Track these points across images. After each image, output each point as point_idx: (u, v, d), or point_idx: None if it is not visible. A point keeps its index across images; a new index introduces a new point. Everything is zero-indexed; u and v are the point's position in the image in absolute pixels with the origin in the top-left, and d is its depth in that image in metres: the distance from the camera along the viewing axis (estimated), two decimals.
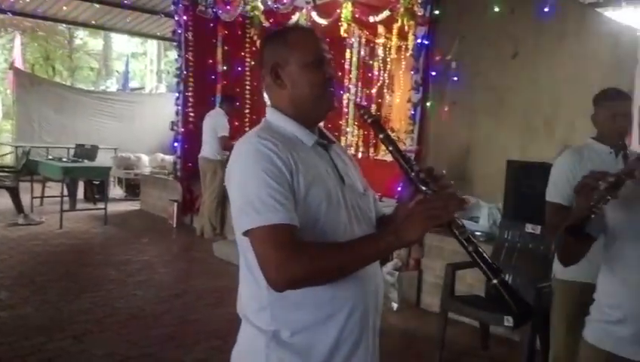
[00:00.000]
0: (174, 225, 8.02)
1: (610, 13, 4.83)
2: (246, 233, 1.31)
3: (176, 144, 8.36)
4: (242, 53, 8.52)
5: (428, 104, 5.14)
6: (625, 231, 1.78)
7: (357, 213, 1.45)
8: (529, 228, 3.92)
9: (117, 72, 21.73)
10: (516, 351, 3.46)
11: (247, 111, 8.56)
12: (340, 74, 7.95)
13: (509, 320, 3.50)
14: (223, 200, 7.20)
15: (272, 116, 1.48)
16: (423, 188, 1.36)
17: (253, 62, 8.53)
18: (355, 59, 8.27)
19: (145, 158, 11.28)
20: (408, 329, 4.47)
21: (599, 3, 4.94)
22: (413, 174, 1.39)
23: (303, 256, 1.27)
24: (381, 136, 1.45)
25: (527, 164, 4.45)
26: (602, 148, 2.67)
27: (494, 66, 5.32)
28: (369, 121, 1.48)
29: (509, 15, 5.11)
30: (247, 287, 1.43)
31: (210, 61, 8.41)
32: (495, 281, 1.23)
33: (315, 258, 1.28)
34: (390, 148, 1.44)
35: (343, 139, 8.29)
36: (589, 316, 1.91)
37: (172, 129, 8.47)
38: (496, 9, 5.15)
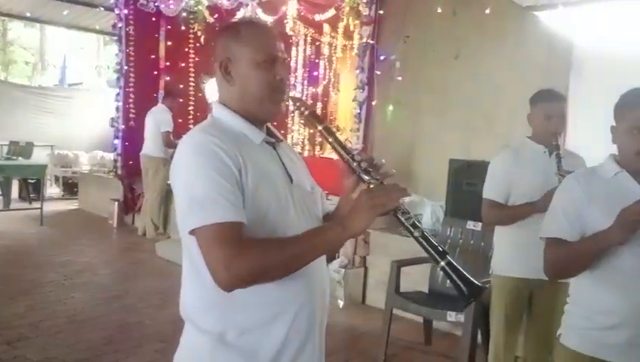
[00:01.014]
0: (115, 225, 7.79)
1: (547, 17, 5.00)
2: (193, 232, 1.27)
3: (116, 141, 8.11)
4: (186, 49, 8.35)
5: (373, 103, 5.19)
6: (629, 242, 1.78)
7: (305, 212, 1.44)
8: (470, 224, 4.03)
9: (54, 66, 20.89)
10: (458, 346, 3.53)
11: (191, 108, 8.40)
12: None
13: (451, 316, 3.59)
14: (165, 198, 7.05)
15: (219, 112, 1.44)
16: (366, 177, 1.37)
17: (197, 59, 8.37)
18: (300, 57, 8.26)
19: (83, 156, 10.94)
20: (353, 326, 4.50)
21: (537, 6, 5.11)
22: (355, 164, 1.39)
23: (252, 253, 1.24)
24: (320, 127, 1.44)
25: (468, 162, 4.57)
26: (537, 147, 2.77)
27: (437, 66, 5.42)
28: (306, 113, 1.46)
29: (452, 16, 5.21)
30: (192, 288, 1.39)
31: (153, 56, 8.21)
32: (443, 263, 1.24)
33: (264, 254, 1.26)
34: (330, 140, 1.43)
35: (289, 137, 8.27)
36: (571, 323, 1.90)
37: (112, 125, 8.22)
38: (439, 10, 5.25)
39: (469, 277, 1.24)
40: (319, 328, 1.46)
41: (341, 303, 4.90)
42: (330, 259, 5.08)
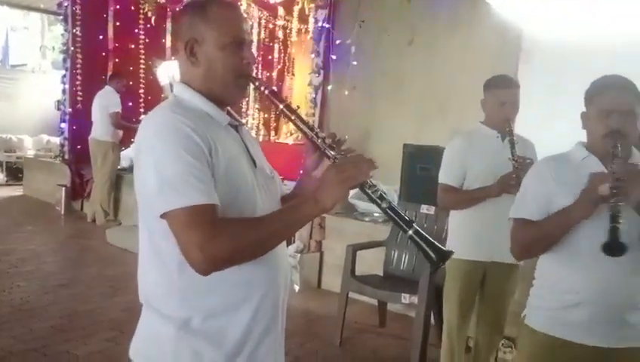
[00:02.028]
0: (62, 212, 7.54)
1: (498, 5, 5.10)
2: (164, 215, 1.23)
3: (63, 125, 7.82)
4: (136, 30, 8.11)
5: (329, 87, 5.18)
6: (586, 222, 1.81)
7: (268, 196, 1.43)
8: (424, 208, 4.09)
9: None
10: (412, 327, 3.60)
11: (141, 91, 8.18)
12: None
13: (405, 298, 3.65)
14: (115, 184, 6.86)
15: (182, 92, 1.38)
16: (332, 152, 1.36)
17: (147, 40, 8.15)
18: (254, 40, 8.15)
19: (28, 140, 10.54)
20: (309, 310, 4.52)
21: None
22: (319, 140, 1.38)
23: (228, 234, 1.22)
24: (281, 106, 1.41)
25: (422, 147, 4.63)
26: (490, 132, 2.82)
27: (392, 52, 5.46)
28: (266, 92, 1.42)
29: (406, 2, 5.25)
30: (153, 273, 1.35)
31: (101, 37, 7.93)
32: (410, 232, 1.26)
33: (240, 234, 1.23)
34: (293, 118, 1.41)
35: (243, 122, 8.18)
36: (536, 304, 1.93)
37: (58, 109, 7.92)
38: None
39: (435, 243, 1.27)
40: (282, 311, 1.46)
41: (297, 288, 4.92)
42: (286, 244, 5.07)
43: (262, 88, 1.43)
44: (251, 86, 1.46)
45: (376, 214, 4.88)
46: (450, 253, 1.28)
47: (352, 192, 4.72)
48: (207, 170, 1.24)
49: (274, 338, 1.42)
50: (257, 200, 1.36)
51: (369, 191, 1.27)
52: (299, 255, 4.95)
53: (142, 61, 8.22)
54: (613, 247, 1.60)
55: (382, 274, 4.12)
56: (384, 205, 1.27)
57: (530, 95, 4.99)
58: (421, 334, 3.52)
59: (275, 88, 1.48)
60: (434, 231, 3.92)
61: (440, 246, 1.27)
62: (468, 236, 2.84)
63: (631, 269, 1.73)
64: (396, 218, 1.27)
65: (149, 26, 7.97)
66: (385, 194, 1.29)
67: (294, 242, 5.08)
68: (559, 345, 1.82)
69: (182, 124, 1.25)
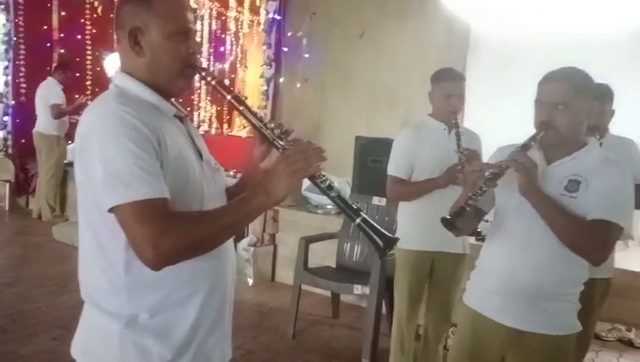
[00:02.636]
0: (7, 208, 7.26)
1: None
2: (112, 209, 1.19)
3: (6, 118, 7.51)
4: (82, 20, 7.85)
5: (281, 80, 5.17)
6: (506, 210, 1.90)
7: (214, 188, 1.42)
8: (375, 200, 4.15)
9: None
10: (364, 317, 3.66)
11: (88, 83, 7.94)
12: None
13: (357, 289, 3.70)
14: (62, 178, 6.66)
15: (125, 82, 1.34)
16: (281, 143, 1.35)
17: (94, 31, 7.91)
18: (206, 32, 8.02)
19: None
20: (263, 303, 4.52)
21: None
22: (268, 131, 1.37)
23: (179, 228, 1.19)
24: (228, 97, 1.39)
25: (373, 139, 4.68)
26: (437, 125, 2.88)
27: (343, 45, 5.48)
28: (213, 82, 1.40)
29: None
30: (97, 269, 1.31)
31: (45, 27, 7.64)
32: (358, 220, 1.28)
33: (192, 228, 1.22)
34: (241, 108, 1.39)
35: (195, 114, 8.06)
36: (469, 282, 2.02)
37: (0, 101, 7.60)
38: None
39: (382, 230, 1.29)
40: (229, 304, 1.46)
41: (250, 281, 4.91)
42: (238, 238, 5.05)
43: (208, 79, 1.41)
44: (198, 77, 1.44)
45: (329, 206, 4.91)
46: (395, 239, 1.31)
47: (304, 185, 4.73)
48: (155, 163, 1.21)
49: (221, 332, 1.42)
50: (204, 192, 1.35)
51: (318, 182, 1.29)
52: (252, 248, 4.93)
53: (88, 52, 7.97)
54: (446, 222, 1.75)
55: (335, 266, 4.16)
56: (333, 194, 1.29)
57: (478, 89, 5.15)
58: (372, 324, 3.57)
59: (221, 79, 1.47)
60: (385, 222, 3.97)
61: (386, 233, 1.30)
62: (416, 227, 2.89)
63: (543, 258, 1.79)
64: (344, 207, 1.30)
65: (95, 16, 7.73)
66: (333, 183, 1.31)
67: (248, 235, 5.06)
68: (482, 320, 1.90)
69: (127, 115, 1.21)
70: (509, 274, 1.83)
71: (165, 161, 1.24)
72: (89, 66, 7.97)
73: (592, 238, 1.70)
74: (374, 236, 1.29)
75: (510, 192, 1.80)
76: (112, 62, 7.35)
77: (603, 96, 2.65)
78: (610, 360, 3.83)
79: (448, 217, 1.75)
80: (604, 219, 1.70)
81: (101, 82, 7.68)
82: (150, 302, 1.29)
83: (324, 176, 1.29)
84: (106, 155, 1.19)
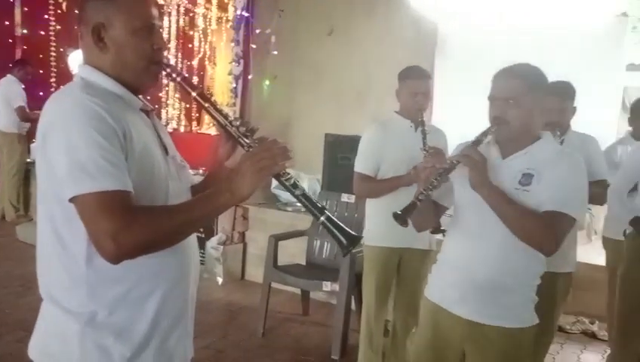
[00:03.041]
0: None
1: None
2: (73, 199, 1.17)
3: None
4: (45, 16, 7.66)
5: (249, 77, 5.14)
6: (463, 205, 1.93)
7: (179, 184, 1.40)
8: (345, 197, 4.17)
9: None
10: (334, 314, 3.66)
11: (53, 80, 7.76)
12: None
13: (327, 286, 3.71)
14: (24, 177, 6.50)
15: (91, 75, 1.31)
16: (246, 141, 1.34)
17: (59, 27, 7.73)
18: (173, 28, 7.92)
19: None
20: (233, 302, 4.50)
21: None
22: (233, 129, 1.36)
23: (141, 223, 1.18)
24: (194, 93, 1.38)
25: (342, 137, 4.68)
26: (404, 122, 2.90)
27: (312, 42, 5.48)
28: (178, 79, 1.39)
29: None
30: (57, 265, 1.28)
31: (7, 23, 7.45)
32: (322, 218, 1.28)
33: (154, 223, 1.20)
34: (206, 105, 1.38)
35: (163, 112, 7.94)
36: (431, 274, 2.05)
37: None
38: None
39: (346, 228, 1.30)
40: (192, 303, 1.45)
41: (220, 280, 4.87)
42: (208, 236, 5.01)
43: (174, 75, 1.39)
44: (164, 74, 1.41)
45: (298, 204, 4.86)
46: (359, 238, 1.32)
47: (273, 183, 4.72)
48: (120, 155, 1.19)
49: (183, 330, 1.41)
50: (169, 188, 1.34)
51: (283, 180, 1.28)
52: (221, 247, 4.90)
53: (52, 49, 7.78)
54: (397, 217, 1.78)
55: (304, 264, 4.16)
56: (297, 192, 1.29)
57: (446, 86, 5.21)
58: (342, 320, 3.59)
59: (187, 76, 1.45)
60: (354, 218, 4.00)
61: (350, 231, 1.31)
62: (383, 224, 2.90)
63: (498, 251, 1.82)
64: (309, 205, 1.30)
65: (59, 11, 7.54)
66: (298, 182, 1.31)
67: (217, 234, 5.03)
68: (442, 313, 1.93)
69: (94, 105, 1.20)
70: (466, 267, 1.86)
71: (130, 154, 1.22)
72: (53, 63, 7.79)
73: (543, 229, 1.73)
74: (338, 234, 1.29)
75: (466, 187, 1.82)
76: (76, 59, 7.19)
77: (564, 93, 2.69)
78: (575, 352, 3.92)
79: (399, 212, 1.77)
80: (554, 210, 1.73)
81: (65, 79, 7.49)
82: (110, 298, 1.27)
83: (289, 174, 1.29)
84: (70, 145, 1.17)
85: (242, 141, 1.35)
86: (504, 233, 1.77)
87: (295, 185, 1.29)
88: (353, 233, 1.31)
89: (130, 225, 1.16)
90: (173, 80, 1.40)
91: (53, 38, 7.78)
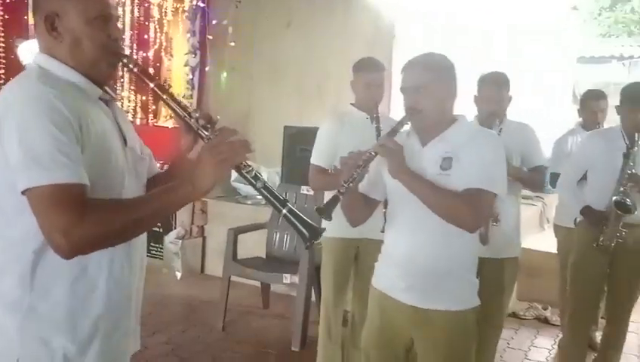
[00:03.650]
0: None
1: None
2: (25, 191, 1.14)
3: None
4: None
5: (206, 69, 5.07)
6: (396, 196, 1.96)
7: (135, 177, 1.38)
8: (304, 189, 4.16)
9: None
10: (295, 306, 3.67)
11: (1, 72, 7.47)
12: None
13: (287, 278, 3.71)
14: None
15: (47, 63, 1.28)
16: (205, 133, 1.33)
17: (7, 17, 7.44)
18: (128, 18, 7.72)
19: None
20: (192, 297, 4.45)
21: None
22: (192, 120, 1.34)
23: (95, 217, 1.15)
24: (152, 85, 1.36)
25: (301, 129, 4.68)
26: (360, 114, 2.90)
27: (270, 34, 5.44)
28: (135, 70, 1.36)
29: None
30: (1, 256, 1.25)
31: None
32: (284, 211, 1.27)
33: (108, 218, 1.17)
34: (164, 97, 1.36)
35: (119, 104, 7.76)
36: (377, 264, 2.08)
37: None
38: None
39: (308, 220, 1.30)
40: (137, 298, 1.43)
41: (179, 275, 4.82)
42: (166, 231, 4.94)
43: (131, 66, 1.36)
44: (121, 64, 1.38)
45: (258, 197, 4.84)
46: (321, 229, 1.32)
47: (233, 176, 4.68)
48: (75, 147, 1.17)
49: (128, 325, 1.39)
50: (125, 181, 1.32)
51: (244, 172, 1.27)
52: (180, 241, 4.84)
53: (1, 39, 7.50)
54: (320, 211, 1.81)
55: (264, 257, 4.14)
56: (259, 185, 1.28)
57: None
58: (302, 312, 3.60)
59: (144, 67, 1.42)
60: (314, 211, 3.96)
61: (312, 223, 1.30)
62: (340, 215, 2.92)
63: (433, 237, 1.86)
64: (270, 197, 1.29)
65: (8, 0, 7.26)
66: (259, 174, 1.30)
67: (175, 228, 4.96)
68: (389, 301, 1.96)
69: (49, 95, 1.17)
70: (406, 256, 1.90)
71: (86, 147, 1.20)
72: (2, 54, 7.49)
73: (463, 207, 1.78)
74: (300, 226, 1.29)
75: (392, 178, 1.87)
76: (26, 50, 6.94)
77: (500, 83, 2.79)
78: (528, 337, 4.04)
79: (322, 206, 1.78)
80: (474, 187, 1.79)
81: (15, 71, 7.25)
82: (54, 293, 1.24)
83: (250, 166, 1.28)
84: (25, 136, 1.14)
85: (202, 133, 1.33)
86: (436, 220, 1.81)
87: (256, 178, 1.28)
88: (315, 225, 1.31)
89: (83, 219, 1.14)
90: (130, 71, 1.38)
91: (1, 28, 7.49)
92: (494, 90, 2.75)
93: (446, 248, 1.86)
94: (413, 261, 1.88)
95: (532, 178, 2.86)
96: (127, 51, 7.73)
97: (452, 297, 1.89)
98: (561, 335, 3.66)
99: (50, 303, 1.24)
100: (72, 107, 1.19)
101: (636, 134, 2.72)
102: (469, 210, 1.79)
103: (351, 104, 2.96)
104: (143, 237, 1.45)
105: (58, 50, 1.29)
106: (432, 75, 1.85)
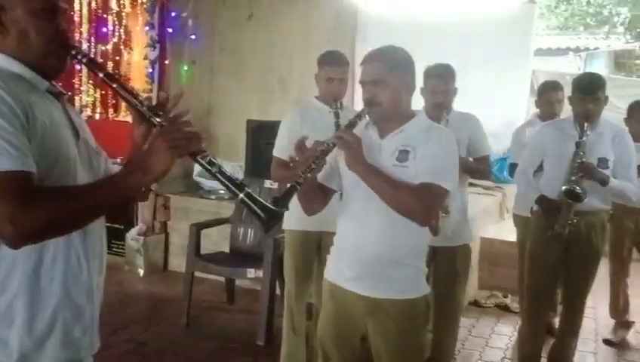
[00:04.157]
0: None
1: None
2: None
3: None
4: None
5: (166, 62, 4.99)
6: (349, 187, 1.98)
7: (90, 170, 1.35)
8: (267, 183, 4.15)
9: None
10: (260, 300, 3.66)
11: None
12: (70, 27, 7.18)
13: (251, 272, 3.70)
14: None
15: None
16: (158, 120, 1.31)
17: None
18: (85, 11, 7.53)
19: None
20: (155, 294, 4.40)
21: None
22: (144, 108, 1.32)
23: (42, 204, 1.13)
24: (101, 75, 1.33)
25: (264, 123, 4.65)
26: (323, 107, 2.91)
27: (231, 26, 5.38)
28: (84, 60, 1.34)
29: None
30: None
31: None
32: (242, 195, 1.26)
33: (56, 205, 1.15)
34: (114, 86, 1.34)
35: (77, 99, 7.56)
36: (329, 256, 2.10)
37: None
38: None
39: (266, 204, 1.30)
40: (97, 293, 1.40)
41: (141, 272, 4.75)
42: (127, 228, 4.86)
43: (80, 57, 1.34)
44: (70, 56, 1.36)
45: (221, 191, 4.83)
46: (279, 213, 1.32)
47: (196, 170, 4.61)
48: (21, 136, 1.15)
49: (89, 321, 1.36)
50: (78, 173, 1.29)
51: (199, 158, 1.26)
52: (142, 238, 4.77)
53: None
54: (274, 203, 1.71)
55: (229, 251, 4.12)
56: (214, 170, 1.27)
57: None
58: (267, 306, 3.60)
59: (93, 57, 1.40)
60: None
61: (270, 206, 1.30)
62: (300, 208, 2.93)
63: (382, 228, 1.89)
64: (227, 182, 1.28)
65: None
66: (214, 159, 1.28)
67: (137, 225, 4.88)
68: (339, 292, 1.99)
69: None
70: (356, 246, 1.93)
71: (33, 137, 1.18)
72: None
73: (415, 201, 1.82)
74: (258, 210, 1.29)
75: (348, 170, 1.89)
76: None
77: (447, 75, 2.85)
78: (489, 325, 4.12)
79: (278, 196, 1.78)
80: (427, 181, 1.84)
81: None
82: (10, 287, 1.22)
83: (205, 151, 1.26)
84: None
85: (154, 120, 1.31)
86: (386, 211, 1.84)
87: (212, 163, 1.26)
88: (273, 208, 1.31)
89: (29, 206, 1.12)
90: (80, 62, 1.36)
91: None
92: (440, 82, 2.82)
93: (396, 238, 1.89)
94: (363, 251, 1.91)
95: (478, 168, 2.97)
96: (84, 45, 7.58)
97: (402, 286, 1.93)
98: (520, 322, 3.76)
99: (5, 298, 1.21)
100: (18, 97, 1.17)
101: (585, 124, 2.80)
102: (421, 204, 1.83)
103: (314, 97, 2.96)
104: (102, 232, 1.42)
105: (4, 43, 1.26)
106: (390, 69, 1.87)
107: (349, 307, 1.98)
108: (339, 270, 2.00)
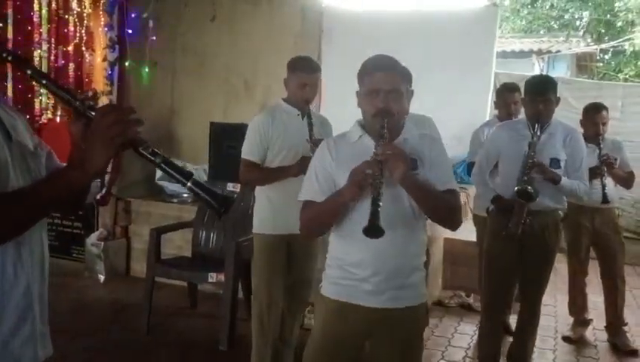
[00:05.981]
0: None
1: None
2: None
3: None
4: None
5: (126, 64, 4.90)
6: (353, 202, 1.88)
7: (26, 173, 1.30)
8: (230, 186, 4.12)
9: None
10: (222, 304, 3.62)
11: None
12: (28, 29, 6.99)
13: (212, 277, 3.66)
14: None
15: None
16: (92, 114, 1.25)
17: None
18: (45, 11, 7.36)
19: None
20: (117, 299, 4.32)
21: None
22: (78, 103, 1.27)
23: None
24: (29, 72, 1.29)
25: (228, 125, 4.62)
26: (291, 110, 2.91)
27: (194, 28, 5.31)
28: (9, 58, 1.31)
29: None
30: None
31: None
32: (189, 183, 1.23)
33: None
34: (44, 82, 1.30)
35: (37, 101, 7.38)
36: (328, 274, 2.00)
37: None
38: None
39: (215, 190, 1.27)
40: (39, 302, 1.34)
41: (102, 278, 4.66)
42: (87, 233, 4.76)
43: (4, 55, 1.30)
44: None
45: (185, 195, 4.78)
46: (230, 198, 1.29)
47: (157, 174, 4.52)
48: None
49: (30, 332, 1.31)
50: (10, 175, 1.23)
51: (140, 149, 1.21)
52: (102, 243, 4.68)
53: None
54: (373, 230, 1.68)
55: (190, 256, 4.07)
56: (158, 160, 1.23)
57: (332, 74, 5.28)
58: (229, 311, 3.56)
59: (18, 54, 1.35)
60: (240, 207, 3.93)
61: (219, 192, 1.28)
62: (270, 211, 2.93)
63: (403, 241, 1.89)
64: (173, 172, 1.24)
65: None
66: (157, 150, 1.25)
67: (97, 229, 4.79)
68: (349, 308, 1.92)
69: None
70: (374, 261, 1.87)
71: None
72: None
73: (452, 208, 1.91)
74: (207, 197, 1.26)
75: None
76: None
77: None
78: (452, 324, 4.16)
79: (376, 225, 1.66)
80: (450, 188, 1.91)
81: None
82: None
83: (146, 142, 1.22)
84: None
85: (89, 114, 1.26)
86: (403, 222, 1.87)
87: (155, 153, 1.22)
88: (223, 193, 1.29)
89: None
90: (5, 60, 1.31)
91: None
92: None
93: (410, 248, 1.93)
94: (383, 265, 1.87)
95: None
96: (45, 46, 7.39)
97: (415, 293, 1.96)
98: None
99: None
100: None
101: (536, 124, 2.85)
102: (456, 210, 1.92)
103: (282, 99, 2.96)
104: (42, 235, 1.37)
105: None
106: (402, 80, 1.92)
107: (358, 323, 1.93)
108: (351, 286, 1.92)
